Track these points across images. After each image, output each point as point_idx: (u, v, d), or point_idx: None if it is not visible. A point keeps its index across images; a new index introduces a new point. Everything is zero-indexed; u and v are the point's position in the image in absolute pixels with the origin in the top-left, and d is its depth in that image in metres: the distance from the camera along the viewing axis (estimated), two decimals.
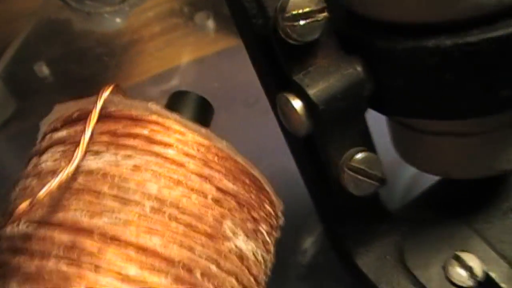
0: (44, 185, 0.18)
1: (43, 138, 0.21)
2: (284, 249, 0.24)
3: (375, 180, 0.24)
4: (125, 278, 0.17)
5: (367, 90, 0.23)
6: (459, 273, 0.26)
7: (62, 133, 0.20)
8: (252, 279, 0.20)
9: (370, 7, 0.23)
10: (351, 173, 0.24)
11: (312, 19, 0.21)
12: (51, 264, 0.17)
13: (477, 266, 0.26)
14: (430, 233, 0.27)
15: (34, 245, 0.18)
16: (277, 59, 0.23)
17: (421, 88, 0.22)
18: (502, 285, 0.25)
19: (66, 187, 0.19)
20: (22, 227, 0.19)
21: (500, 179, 0.28)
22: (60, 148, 0.20)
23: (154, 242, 0.18)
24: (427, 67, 0.21)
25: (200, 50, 0.46)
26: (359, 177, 0.24)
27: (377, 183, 0.24)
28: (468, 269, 0.26)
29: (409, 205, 0.29)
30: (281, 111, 0.23)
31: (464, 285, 0.25)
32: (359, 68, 0.23)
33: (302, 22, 0.21)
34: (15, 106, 0.48)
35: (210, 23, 0.43)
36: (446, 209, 0.28)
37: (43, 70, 0.42)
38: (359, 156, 0.24)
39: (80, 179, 0.19)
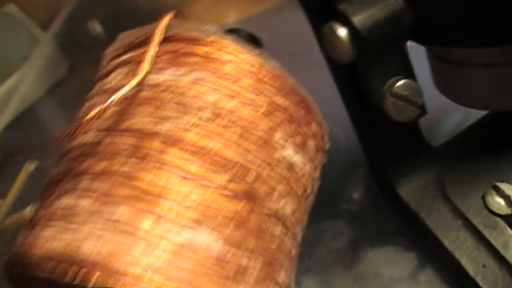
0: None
1: (107, 64, 0.24)
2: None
3: (416, 107, 0.26)
4: (186, 175, 0.19)
5: (408, 20, 0.24)
6: (498, 202, 0.27)
7: (126, 56, 0.22)
8: (300, 190, 0.22)
9: None
10: (393, 99, 0.25)
11: None
12: (118, 163, 0.19)
13: None
14: (470, 166, 0.28)
15: (103, 148, 0.20)
16: None
17: (458, 14, 0.24)
18: None
19: (131, 99, 0.21)
20: (91, 135, 0.21)
21: None
22: (125, 69, 0.22)
23: (212, 145, 0.20)
24: None
25: (245, 10, 0.47)
26: (401, 103, 0.25)
27: (418, 110, 0.26)
28: (507, 198, 0.27)
29: (450, 142, 0.30)
30: (327, 41, 0.25)
31: (502, 213, 0.27)
32: (398, 4, 0.24)
33: None
34: (69, 65, 0.50)
35: None
36: (486, 145, 0.29)
37: (96, 27, 0.44)
38: (401, 83, 0.25)
39: (145, 92, 0.21)
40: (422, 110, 0.26)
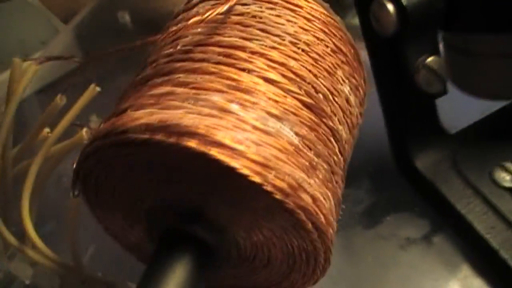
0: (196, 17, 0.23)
1: (189, 2, 0.26)
2: None
3: (442, 81, 0.29)
4: (270, 81, 0.22)
5: (441, 5, 0.29)
6: (503, 177, 0.31)
7: None
8: (351, 126, 0.25)
9: None
10: (425, 71, 0.29)
11: None
12: (209, 66, 0.22)
13: None
14: (479, 148, 0.32)
15: (194, 55, 0.22)
16: None
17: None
18: None
19: (219, 23, 0.24)
20: (179, 47, 0.23)
21: None
22: (209, 4, 0.25)
23: (292, 64, 0.23)
24: None
25: None
26: (431, 76, 0.29)
27: (443, 85, 0.30)
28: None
29: (462, 131, 0.34)
30: (374, 15, 0.29)
31: (507, 185, 0.30)
32: None
33: None
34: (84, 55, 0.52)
35: None
36: (493, 134, 0.33)
37: (125, 17, 0.47)
38: (432, 58, 0.29)
39: (232, 17, 0.24)
40: (445, 86, 0.30)
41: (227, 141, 0.19)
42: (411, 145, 0.32)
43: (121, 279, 0.30)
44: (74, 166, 0.23)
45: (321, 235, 0.21)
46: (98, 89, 0.28)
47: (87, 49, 0.52)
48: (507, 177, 0.31)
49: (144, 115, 0.20)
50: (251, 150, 0.20)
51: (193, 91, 0.21)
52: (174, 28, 0.24)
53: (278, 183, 0.20)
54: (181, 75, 0.22)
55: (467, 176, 0.31)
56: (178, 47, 0.23)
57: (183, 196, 0.22)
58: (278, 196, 0.20)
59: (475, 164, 0.31)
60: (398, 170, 0.33)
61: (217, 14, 0.23)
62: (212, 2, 0.25)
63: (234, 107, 0.21)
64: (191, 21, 0.23)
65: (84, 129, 0.28)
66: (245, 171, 0.19)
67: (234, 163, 0.19)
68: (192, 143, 0.19)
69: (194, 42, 0.23)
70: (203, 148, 0.19)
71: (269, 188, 0.19)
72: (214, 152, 0.19)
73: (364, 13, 0.30)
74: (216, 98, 0.21)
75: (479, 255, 0.29)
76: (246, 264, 0.24)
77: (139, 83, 0.23)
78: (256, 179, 0.19)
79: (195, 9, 0.25)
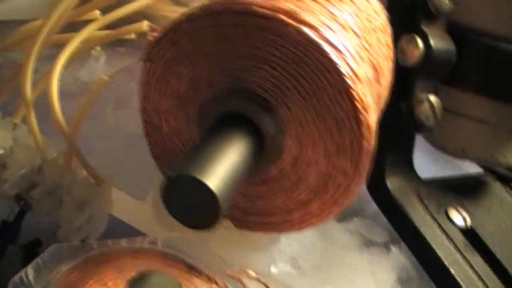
0: None
1: None
2: None
3: (436, 117, 0.34)
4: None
5: (452, 61, 0.34)
6: (456, 216, 0.35)
7: None
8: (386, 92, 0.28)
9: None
10: (427, 105, 0.34)
11: (449, 2, 0.33)
12: None
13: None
14: (440, 187, 0.37)
15: None
16: (413, 13, 0.34)
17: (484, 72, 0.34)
18: None
19: None
20: None
21: None
22: None
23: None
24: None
25: None
26: (429, 110, 0.34)
27: (436, 120, 0.34)
28: (464, 218, 0.36)
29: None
30: (402, 45, 0.34)
31: (458, 223, 0.35)
32: (453, 47, 0.34)
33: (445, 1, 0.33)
34: None
35: None
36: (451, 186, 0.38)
37: None
38: (434, 97, 0.34)
39: None
40: (436, 124, 0.35)
41: (332, 40, 0.22)
42: (386, 166, 0.36)
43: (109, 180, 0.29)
44: (166, 26, 0.23)
45: (367, 158, 0.23)
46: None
47: None
48: (459, 218, 0.35)
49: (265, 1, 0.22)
50: (348, 58, 0.22)
51: (304, 5, 0.23)
52: None
53: (362, 96, 0.22)
54: None
55: (428, 206, 0.35)
56: None
57: (259, 86, 0.23)
58: (359, 106, 0.22)
59: (434, 199, 0.36)
60: (369, 186, 0.36)
61: None
62: None
63: (335, 27, 0.23)
64: None
65: (145, 22, 0.28)
66: (342, 70, 0.22)
67: (336, 59, 0.22)
68: (310, 31, 0.22)
69: None
70: (316, 39, 0.22)
71: (356, 96, 0.22)
72: (326, 45, 0.22)
73: (394, 39, 0.35)
74: (323, 16, 0.23)
75: (430, 269, 0.33)
76: (273, 181, 0.25)
77: None
78: (349, 83, 0.22)
79: None
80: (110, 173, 0.29)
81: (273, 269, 0.29)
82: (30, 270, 0.22)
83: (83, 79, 0.36)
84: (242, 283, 0.26)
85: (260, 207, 0.26)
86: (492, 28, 0.34)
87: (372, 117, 0.23)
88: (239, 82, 0.23)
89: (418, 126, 0.34)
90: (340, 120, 0.23)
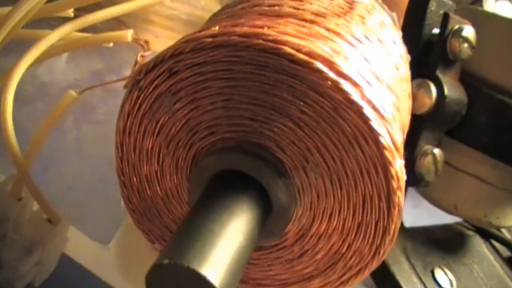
0: None
1: None
2: None
3: (437, 172, 0.30)
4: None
5: (463, 112, 0.30)
6: (443, 279, 0.32)
7: None
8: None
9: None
10: (430, 158, 0.30)
11: (468, 48, 0.29)
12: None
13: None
14: (426, 245, 0.33)
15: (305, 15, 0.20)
16: (428, 58, 0.30)
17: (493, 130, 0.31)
18: None
19: None
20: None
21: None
22: None
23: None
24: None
25: None
26: (431, 164, 0.30)
27: (435, 176, 0.30)
28: (450, 280, 0.32)
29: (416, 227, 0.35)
30: (412, 92, 0.29)
31: (444, 286, 0.31)
32: (465, 98, 0.30)
33: (464, 45, 0.29)
34: None
35: None
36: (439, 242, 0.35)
37: None
38: (438, 150, 0.30)
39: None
40: (434, 178, 0.31)
41: (378, 106, 0.17)
42: None
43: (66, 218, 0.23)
44: (163, 52, 0.18)
45: (389, 246, 0.19)
46: None
47: None
48: (445, 280, 0.32)
49: (291, 37, 0.17)
50: (392, 125, 0.18)
51: (337, 47, 0.19)
52: None
53: (399, 174, 0.18)
54: (320, 28, 0.19)
55: (414, 265, 0.31)
56: (305, 7, 0.21)
57: (277, 142, 0.18)
58: (394, 186, 0.18)
59: (420, 258, 0.32)
60: None
61: None
62: None
63: (361, 60, 0.19)
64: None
65: (130, 31, 0.23)
66: (384, 143, 0.17)
67: (379, 127, 0.17)
68: (351, 90, 0.17)
69: (322, 12, 0.21)
70: (359, 100, 0.17)
71: (394, 173, 0.17)
72: (368, 112, 0.17)
73: None
74: (343, 44, 0.19)
75: None
76: (273, 250, 0.21)
77: (262, 14, 0.20)
78: (389, 157, 0.17)
79: None
80: (68, 206, 0.23)
81: None
82: None
83: (41, 79, 0.30)
84: None
85: (249, 276, 0.21)
86: (505, 83, 0.31)
87: (403, 197, 0.19)
88: (250, 135, 0.18)
89: (415, 180, 0.30)
90: (368, 197, 0.18)
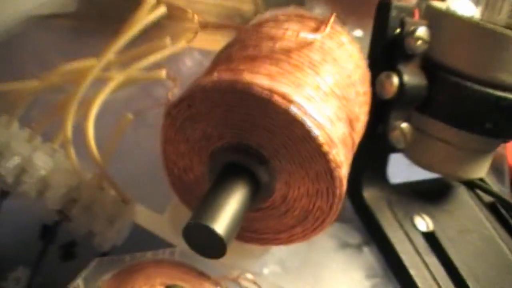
0: (295, 34, 0.33)
1: (274, 16, 0.36)
2: None
3: (407, 141, 0.42)
4: (335, 96, 0.32)
5: (424, 94, 0.41)
6: (420, 222, 0.44)
7: (297, 19, 0.36)
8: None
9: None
10: (398, 132, 0.41)
11: (422, 44, 0.40)
12: (304, 67, 0.32)
13: None
14: (408, 197, 0.45)
15: (291, 59, 0.32)
16: (391, 55, 0.41)
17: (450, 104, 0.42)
18: None
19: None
20: (278, 49, 0.33)
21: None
22: (298, 24, 0.35)
23: (346, 91, 0.33)
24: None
25: None
26: (400, 136, 0.42)
27: (406, 143, 0.42)
28: (426, 222, 0.44)
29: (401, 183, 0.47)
30: (380, 82, 0.41)
31: (421, 229, 0.43)
32: (425, 82, 0.41)
33: (418, 43, 0.40)
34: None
35: None
36: (418, 192, 0.46)
37: None
38: (405, 124, 0.42)
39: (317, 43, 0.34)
40: (406, 146, 0.42)
41: (315, 115, 0.29)
42: (364, 179, 0.44)
43: (133, 199, 0.37)
44: (185, 93, 0.31)
45: (339, 202, 0.31)
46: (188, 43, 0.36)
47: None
48: (422, 224, 0.43)
49: (263, 80, 0.30)
50: (326, 128, 0.30)
51: (294, 78, 0.31)
52: (267, 30, 0.34)
53: (336, 157, 0.30)
54: (285, 64, 0.31)
55: (396, 213, 0.43)
56: (277, 45, 0.33)
57: (256, 143, 0.31)
58: (333, 165, 0.30)
59: (403, 207, 0.44)
60: (348, 193, 0.44)
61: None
62: (299, 25, 0.35)
63: (317, 99, 0.31)
64: (288, 33, 0.33)
65: (164, 70, 0.36)
66: (321, 140, 0.29)
67: (317, 131, 0.29)
68: (296, 109, 0.29)
69: (290, 47, 0.33)
70: (302, 116, 0.29)
71: (331, 157, 0.30)
72: (308, 121, 0.29)
73: (373, 78, 0.42)
74: (308, 89, 0.31)
75: (393, 269, 0.41)
76: (266, 210, 0.33)
77: (244, 57, 0.32)
78: (326, 148, 0.29)
79: (286, 24, 0.35)
80: (134, 189, 0.37)
81: (265, 271, 0.38)
82: (80, 281, 0.31)
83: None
84: (240, 285, 0.35)
85: (255, 227, 0.35)
86: (459, 67, 0.41)
87: (344, 170, 0.31)
88: (242, 139, 0.31)
89: (390, 148, 0.42)
90: (319, 173, 0.31)
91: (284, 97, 0.29)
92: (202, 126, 0.32)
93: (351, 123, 0.33)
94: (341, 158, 0.30)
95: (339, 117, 0.32)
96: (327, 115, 0.30)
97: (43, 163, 0.36)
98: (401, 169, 0.48)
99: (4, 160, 0.35)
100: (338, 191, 0.31)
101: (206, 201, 0.29)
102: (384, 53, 0.42)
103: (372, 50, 0.43)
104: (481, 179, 0.49)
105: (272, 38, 0.33)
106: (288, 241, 0.34)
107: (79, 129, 0.37)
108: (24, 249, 0.38)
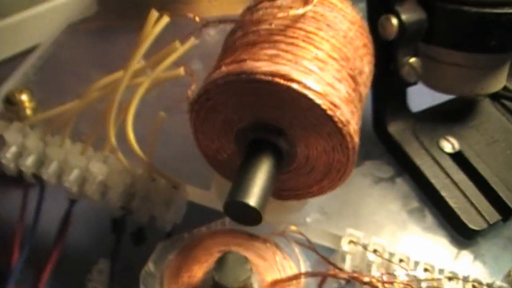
0: (287, 11, 0.39)
1: None
2: None
3: (418, 75, 0.48)
4: (332, 57, 0.39)
5: (427, 26, 0.47)
6: (446, 145, 0.50)
7: None
8: (367, 87, 0.42)
9: None
10: (408, 67, 0.47)
11: None
12: (299, 41, 0.38)
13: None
14: (432, 124, 0.51)
15: (288, 33, 0.38)
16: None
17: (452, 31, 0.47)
18: None
19: (301, 15, 0.40)
20: (276, 27, 0.39)
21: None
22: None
23: (344, 49, 0.39)
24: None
25: None
26: (411, 70, 0.47)
27: (418, 77, 0.48)
28: (451, 144, 0.50)
29: (422, 111, 0.53)
30: (382, 25, 0.47)
31: (447, 150, 0.50)
32: (424, 15, 0.47)
33: None
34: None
35: None
36: (441, 116, 0.53)
37: None
38: (414, 59, 0.47)
39: (308, 13, 0.40)
40: (419, 78, 0.48)
41: (314, 87, 0.36)
42: (386, 115, 0.51)
43: (182, 182, 0.45)
44: (200, 90, 0.38)
45: (354, 153, 0.38)
46: (196, 41, 0.43)
47: (107, 10, 0.65)
48: (448, 146, 0.50)
49: (263, 65, 0.36)
50: (328, 94, 0.36)
51: (291, 56, 0.37)
52: (262, 12, 0.41)
53: (341, 118, 0.37)
54: (282, 44, 0.38)
55: (422, 141, 0.50)
56: (273, 26, 0.39)
57: (271, 119, 0.38)
58: (340, 125, 0.36)
59: (427, 134, 0.51)
60: (375, 132, 0.51)
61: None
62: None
63: (315, 69, 0.37)
64: (280, 15, 0.39)
65: (182, 68, 0.43)
66: (324, 107, 0.36)
67: (319, 100, 0.36)
68: (297, 86, 0.36)
69: (285, 24, 0.39)
70: (303, 90, 0.36)
71: (336, 119, 0.36)
72: (309, 93, 0.36)
73: (374, 22, 0.47)
74: (305, 62, 0.37)
75: (426, 194, 0.48)
76: (295, 171, 0.41)
77: (246, 44, 0.39)
78: (330, 112, 0.36)
79: (279, 1, 0.41)
80: (182, 172, 0.45)
81: (308, 219, 0.46)
82: (150, 264, 0.39)
83: None
84: (286, 238, 0.43)
85: (289, 186, 0.42)
86: None
87: (352, 126, 0.37)
88: (259, 118, 0.38)
89: (404, 83, 0.48)
90: (330, 133, 0.38)
91: (284, 77, 0.36)
92: (222, 113, 0.39)
93: (353, 79, 0.40)
94: (347, 116, 0.37)
95: (340, 79, 0.38)
96: (327, 82, 0.37)
97: (99, 169, 0.44)
98: (425, 97, 0.54)
99: (66, 175, 0.44)
100: (350, 145, 0.38)
101: (237, 178, 0.37)
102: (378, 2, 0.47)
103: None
104: (506, 88, 0.54)
105: (268, 20, 0.40)
106: (320, 192, 0.42)
107: (123, 132, 0.45)
108: (100, 243, 0.48)
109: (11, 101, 0.48)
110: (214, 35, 0.64)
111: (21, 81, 0.52)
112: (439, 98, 0.54)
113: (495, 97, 0.55)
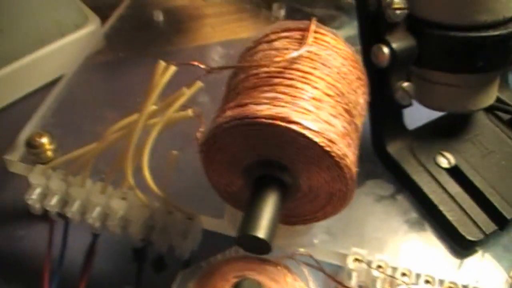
0: (284, 53, 0.44)
1: (265, 36, 0.47)
2: None
3: (410, 98, 0.52)
4: (328, 95, 0.43)
5: (417, 53, 0.51)
6: (442, 161, 0.54)
7: (285, 34, 0.46)
8: (362, 119, 0.47)
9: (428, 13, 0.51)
10: (401, 92, 0.52)
11: (401, 11, 0.50)
12: (297, 82, 0.43)
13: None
14: (428, 140, 0.56)
15: (285, 75, 0.43)
16: (378, 28, 0.51)
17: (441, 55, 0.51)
18: None
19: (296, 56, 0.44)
20: (275, 69, 0.44)
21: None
22: (286, 40, 0.46)
23: (338, 85, 0.44)
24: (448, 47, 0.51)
25: None
26: (405, 95, 0.52)
27: (411, 100, 0.52)
28: (447, 159, 0.55)
29: (417, 129, 0.58)
30: (374, 54, 0.51)
31: (444, 166, 0.54)
32: (414, 42, 0.51)
33: (397, 12, 0.50)
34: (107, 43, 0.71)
35: (282, 13, 0.71)
36: (437, 132, 0.57)
37: (159, 16, 0.67)
38: (406, 84, 0.52)
39: (306, 54, 0.45)
40: (411, 102, 0.53)
41: (312, 126, 0.41)
42: (385, 137, 0.55)
43: (197, 214, 0.50)
44: (208, 133, 0.43)
45: (352, 182, 0.43)
46: (201, 84, 0.48)
47: (115, 42, 0.70)
48: (444, 161, 0.54)
49: (264, 109, 0.41)
50: (324, 132, 0.41)
51: (290, 98, 0.42)
52: (261, 54, 0.45)
53: (338, 152, 0.41)
54: (281, 87, 0.43)
55: (419, 158, 0.55)
56: (272, 68, 0.44)
57: (275, 156, 0.43)
58: (337, 159, 0.41)
59: (424, 151, 0.55)
60: (375, 152, 0.56)
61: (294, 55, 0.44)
62: (287, 40, 0.46)
63: (312, 108, 0.42)
64: (277, 59, 0.44)
65: (190, 109, 0.48)
66: (322, 144, 0.41)
67: (316, 138, 0.41)
68: (296, 127, 0.40)
69: (283, 66, 0.44)
70: (301, 131, 0.40)
71: (334, 154, 0.41)
72: (307, 132, 0.40)
73: (367, 51, 0.52)
74: (303, 103, 0.42)
75: (426, 209, 0.53)
76: (300, 200, 0.46)
77: (247, 88, 0.44)
78: (328, 148, 0.41)
79: (276, 43, 0.46)
80: (195, 203, 0.50)
81: (315, 241, 0.50)
82: None
83: None
84: (295, 260, 0.47)
85: (296, 213, 0.47)
86: (441, 19, 0.51)
87: (348, 158, 0.42)
88: (263, 156, 0.43)
89: (399, 106, 0.53)
90: (329, 166, 0.42)
91: (284, 120, 0.41)
92: (229, 153, 0.44)
93: (349, 112, 0.44)
94: (343, 150, 0.42)
95: (335, 115, 0.43)
96: (323, 120, 0.42)
97: (119, 205, 0.49)
98: (421, 112, 0.58)
99: (89, 213, 0.49)
100: (348, 175, 0.43)
101: (247, 213, 0.42)
102: (371, 28, 0.52)
103: (360, 27, 0.53)
104: (498, 98, 0.59)
105: (266, 63, 0.44)
106: (324, 217, 0.47)
107: (139, 169, 0.50)
108: (123, 271, 0.53)
109: (32, 145, 0.53)
110: (218, 61, 0.69)
111: (40, 124, 0.58)
112: (435, 112, 0.59)
113: (489, 108, 0.59)
